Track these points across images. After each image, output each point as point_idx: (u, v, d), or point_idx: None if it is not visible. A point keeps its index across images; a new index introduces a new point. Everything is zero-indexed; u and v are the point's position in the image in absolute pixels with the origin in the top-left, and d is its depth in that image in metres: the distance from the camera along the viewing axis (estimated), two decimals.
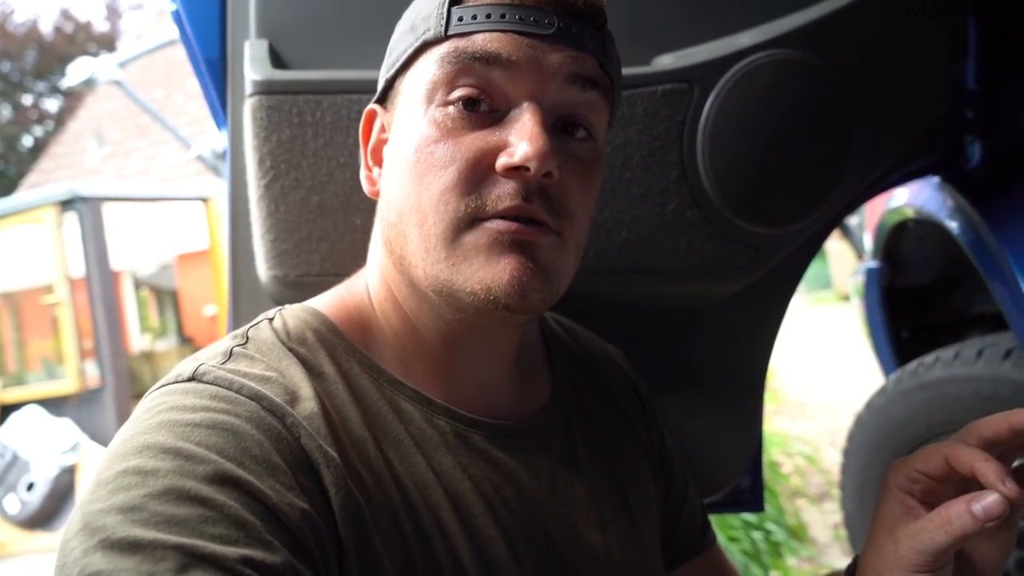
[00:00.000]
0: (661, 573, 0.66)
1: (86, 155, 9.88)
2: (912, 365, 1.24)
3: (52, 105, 17.71)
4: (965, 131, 1.00)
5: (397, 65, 0.55)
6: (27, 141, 17.61)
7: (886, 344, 1.67)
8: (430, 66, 0.52)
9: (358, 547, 0.46)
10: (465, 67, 0.50)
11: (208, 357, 0.50)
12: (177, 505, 0.39)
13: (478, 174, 0.50)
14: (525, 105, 0.50)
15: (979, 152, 1.01)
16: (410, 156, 0.51)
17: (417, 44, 0.53)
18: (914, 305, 1.68)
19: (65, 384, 4.19)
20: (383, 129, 0.58)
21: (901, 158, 0.86)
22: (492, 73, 0.50)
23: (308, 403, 0.48)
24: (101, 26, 17.51)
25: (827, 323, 7.55)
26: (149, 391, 0.49)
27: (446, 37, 0.51)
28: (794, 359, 5.80)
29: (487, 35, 0.50)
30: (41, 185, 9.01)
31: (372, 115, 0.59)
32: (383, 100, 0.58)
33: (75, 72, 4.21)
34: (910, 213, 1.30)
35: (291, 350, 0.52)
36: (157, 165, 9.02)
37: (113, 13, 18.16)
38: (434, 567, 0.49)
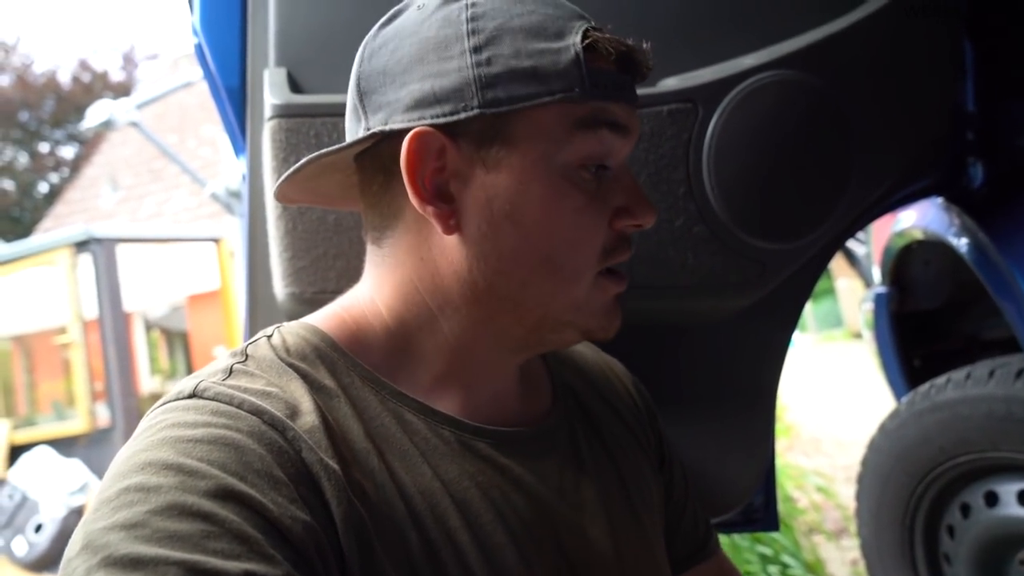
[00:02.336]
0: (667, 573, 0.65)
1: (100, 200, 10.05)
2: (924, 387, 1.23)
3: (68, 152, 18.09)
4: (966, 152, 1.02)
5: (512, 108, 0.51)
6: (43, 188, 17.93)
7: (897, 370, 1.67)
8: (569, 126, 0.53)
9: (361, 559, 0.46)
10: (601, 135, 0.54)
11: (208, 374, 0.50)
12: (179, 521, 0.39)
13: (606, 233, 0.56)
14: (625, 168, 0.58)
15: (981, 172, 1.03)
16: (551, 214, 0.53)
17: (556, 99, 0.51)
18: (925, 332, 1.68)
19: (75, 424, 4.19)
20: (453, 160, 0.53)
21: (903, 177, 0.88)
22: (615, 141, 0.55)
23: (309, 417, 0.48)
24: (117, 75, 17.97)
25: (839, 360, 7.50)
26: (150, 410, 0.49)
27: (588, 100, 0.53)
28: (807, 396, 5.75)
29: (619, 106, 0.54)
30: (55, 229, 9.15)
31: (429, 140, 0.52)
32: (451, 129, 0.52)
33: (94, 114, 4.32)
34: (917, 235, 1.31)
35: (291, 365, 0.52)
36: (169, 208, 9.15)
37: (129, 63, 18.64)
38: None
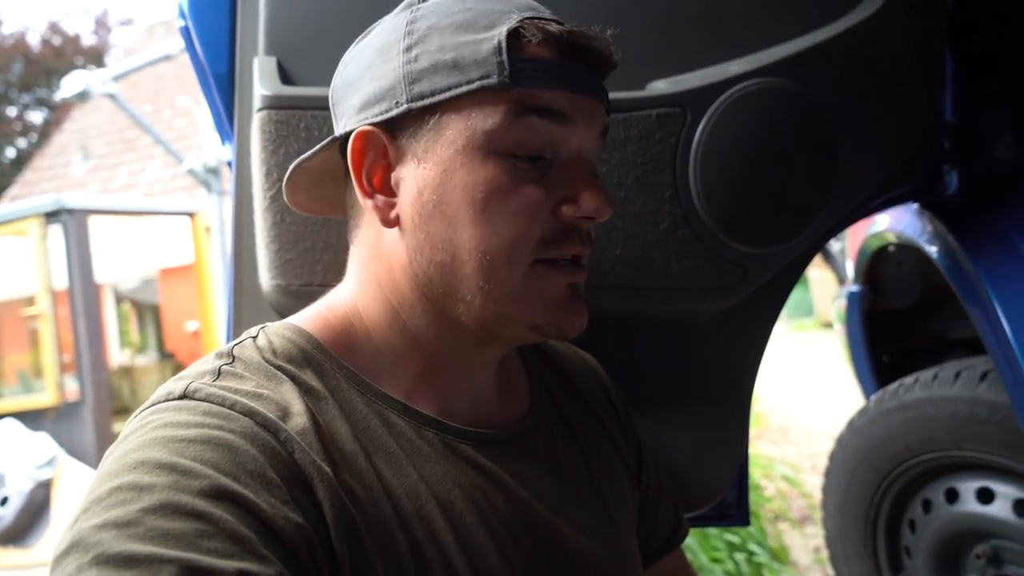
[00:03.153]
0: (639, 572, 0.67)
1: (71, 168, 9.82)
2: (893, 386, 1.27)
3: (36, 117, 17.61)
4: (943, 160, 1.04)
5: (433, 100, 0.53)
6: (10, 153, 17.46)
7: (867, 367, 1.71)
8: (491, 113, 0.52)
9: (352, 560, 0.46)
10: (531, 122, 0.53)
11: (196, 375, 0.50)
12: (173, 519, 0.39)
13: (545, 223, 0.54)
14: (580, 158, 0.56)
15: (956, 180, 1.05)
16: (475, 202, 0.52)
17: (473, 87, 0.52)
18: (894, 330, 1.72)
19: (43, 398, 4.13)
20: (384, 154, 0.56)
21: (883, 184, 0.90)
22: (553, 128, 0.54)
23: (300, 419, 0.49)
24: (89, 40, 17.48)
25: (809, 350, 7.63)
26: (136, 412, 0.49)
27: (510, 87, 0.52)
28: (776, 385, 5.85)
29: (552, 92, 0.53)
30: (23, 197, 8.93)
31: (372, 138, 0.55)
32: (390, 126, 0.55)
33: (69, 85, 4.21)
34: (891, 238, 1.34)
35: (279, 368, 0.52)
36: (143, 179, 8.98)
37: (102, 27, 18.14)
38: None
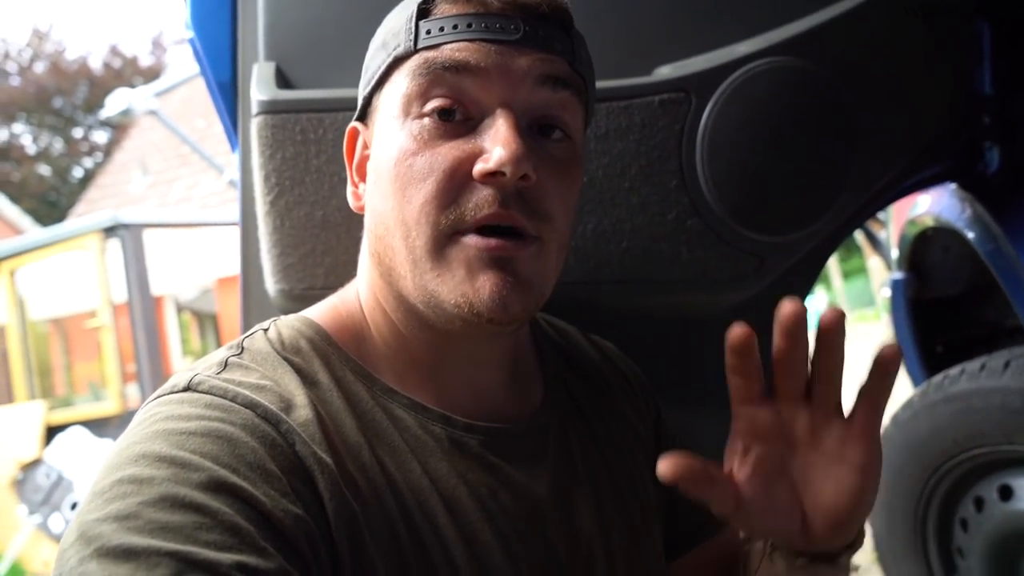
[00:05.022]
0: (660, 569, 0.65)
1: (130, 184, 10.22)
2: (938, 378, 1.20)
3: (101, 137, 18.41)
4: (982, 137, 0.98)
5: (372, 82, 0.56)
6: (77, 172, 18.29)
7: (915, 356, 1.63)
8: (403, 80, 0.53)
9: (352, 553, 0.46)
10: (436, 78, 0.51)
11: (203, 367, 0.51)
12: (172, 512, 0.39)
13: (456, 183, 0.51)
14: (498, 111, 0.51)
15: (997, 158, 0.99)
16: (390, 170, 0.52)
17: (389, 60, 0.54)
18: (946, 318, 1.64)
19: (108, 406, 4.30)
20: (365, 146, 0.59)
21: (910, 165, 0.85)
22: (463, 82, 0.51)
23: (303, 411, 0.49)
24: (147, 60, 18.19)
25: (870, 340, 7.38)
26: (145, 402, 0.49)
27: (416, 51, 0.52)
28: None
29: (455, 45, 0.51)
30: (88, 214, 9.34)
31: (355, 133, 0.60)
32: (363, 117, 0.59)
33: (113, 103, 4.38)
34: (929, 222, 1.27)
35: (285, 359, 0.52)
36: (198, 192, 9.27)
37: (158, 47, 18.87)
38: (430, 573, 0.49)
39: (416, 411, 0.55)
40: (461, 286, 0.51)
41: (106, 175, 11.22)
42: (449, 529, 0.51)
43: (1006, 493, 1.12)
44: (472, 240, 0.50)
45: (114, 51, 17.89)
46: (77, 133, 18.35)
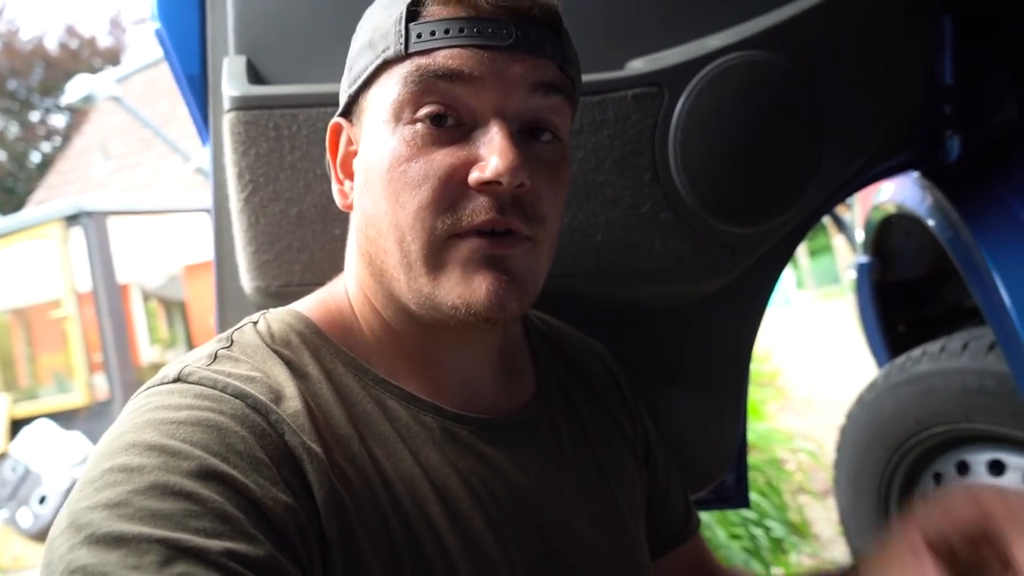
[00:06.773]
0: (647, 562, 0.66)
1: (92, 170, 9.95)
2: (900, 360, 1.24)
3: (59, 121, 17.87)
4: (943, 126, 1.01)
5: (359, 82, 0.56)
6: (35, 158, 17.76)
7: (879, 339, 1.68)
8: (393, 85, 0.53)
9: (342, 541, 0.47)
10: (429, 85, 0.51)
11: (193, 360, 0.51)
12: (162, 500, 0.40)
13: (451, 190, 0.51)
14: (491, 119, 0.52)
15: (958, 147, 1.02)
16: (383, 174, 0.52)
17: (378, 62, 0.53)
18: (909, 299, 1.69)
19: (75, 398, 4.23)
20: (350, 142, 0.59)
21: (876, 155, 0.87)
22: (456, 89, 0.51)
23: (292, 402, 0.49)
24: (105, 41, 17.65)
25: (835, 318, 7.52)
26: (135, 394, 0.50)
27: (407, 55, 0.52)
28: (801, 355, 5.78)
29: (447, 52, 0.51)
30: (49, 201, 9.08)
31: (338, 129, 0.60)
32: (348, 114, 0.59)
33: (73, 90, 4.25)
34: (892, 209, 1.30)
35: (275, 351, 0.53)
36: (162, 177, 9.07)
37: (117, 28, 18.30)
38: (422, 561, 0.50)
39: (407, 401, 0.55)
40: (458, 288, 0.52)
41: (66, 160, 10.91)
42: (440, 517, 0.52)
43: (963, 468, 1.16)
44: (467, 242, 0.52)
45: (71, 31, 17.33)
46: (34, 117, 17.80)
